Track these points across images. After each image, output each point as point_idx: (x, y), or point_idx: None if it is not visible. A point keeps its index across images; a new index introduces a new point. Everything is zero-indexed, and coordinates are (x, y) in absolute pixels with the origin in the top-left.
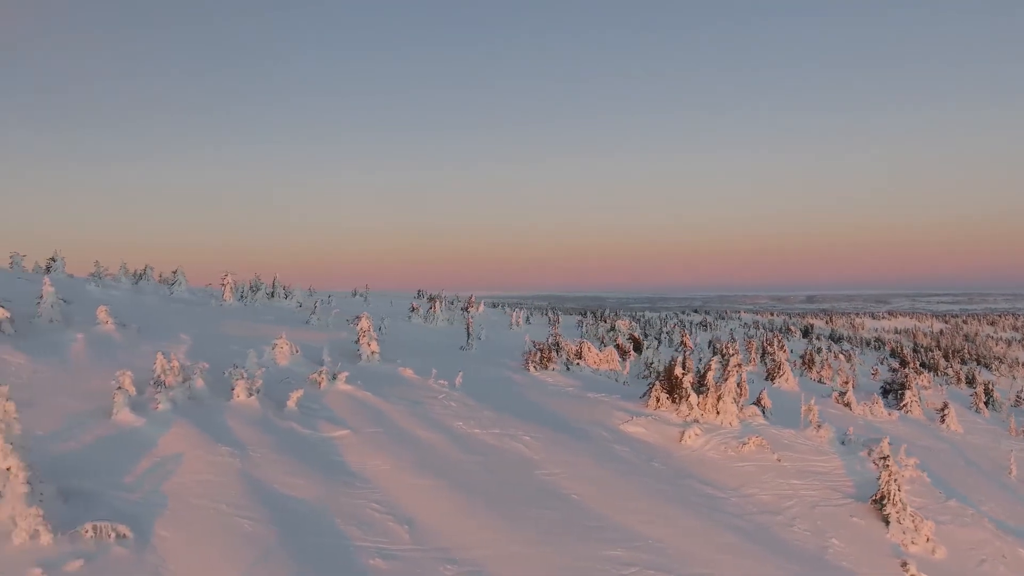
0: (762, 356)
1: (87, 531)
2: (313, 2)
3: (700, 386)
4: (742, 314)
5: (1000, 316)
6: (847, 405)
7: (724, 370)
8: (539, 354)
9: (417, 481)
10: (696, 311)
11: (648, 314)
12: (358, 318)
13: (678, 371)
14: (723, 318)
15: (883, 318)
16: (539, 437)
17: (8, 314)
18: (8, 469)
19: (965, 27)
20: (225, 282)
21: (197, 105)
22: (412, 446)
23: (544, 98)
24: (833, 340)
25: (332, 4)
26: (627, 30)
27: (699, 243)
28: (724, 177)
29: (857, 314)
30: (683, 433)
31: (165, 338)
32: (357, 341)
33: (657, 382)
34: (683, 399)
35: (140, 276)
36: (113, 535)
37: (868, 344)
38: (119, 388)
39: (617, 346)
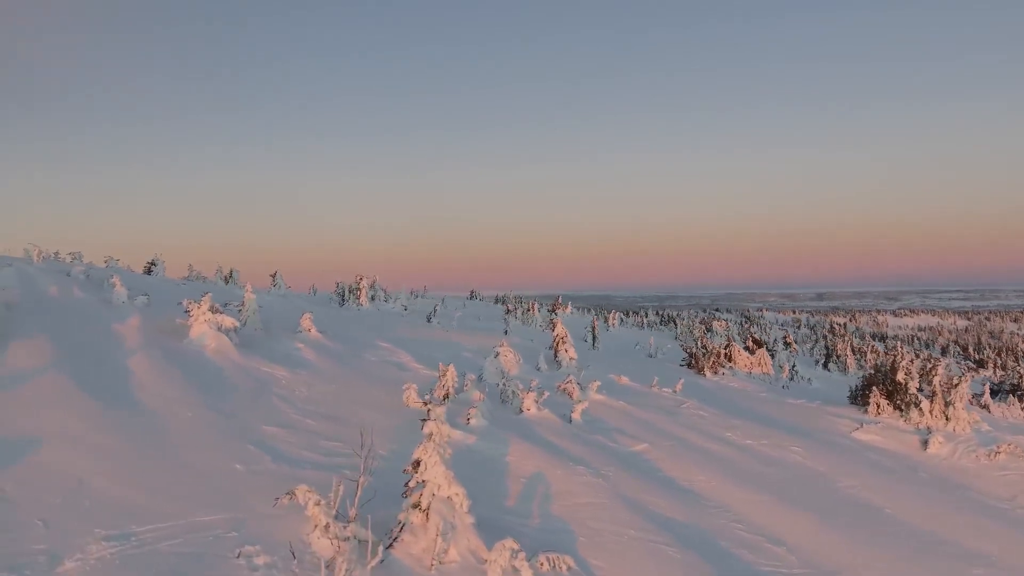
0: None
1: (543, 563)
2: (315, 5)
3: (924, 391)
4: (764, 312)
5: (1023, 312)
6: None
7: (929, 374)
8: (712, 358)
9: (748, 496)
10: (718, 309)
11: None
12: (552, 324)
13: (901, 376)
14: (746, 317)
15: (903, 315)
16: (803, 447)
17: (236, 323)
18: (449, 498)
19: (980, 17)
20: (361, 285)
21: (190, 106)
22: (710, 458)
23: (542, 98)
24: (874, 339)
25: (334, 5)
26: (630, 29)
27: (702, 242)
28: (727, 176)
29: (879, 311)
30: (927, 441)
31: (367, 345)
32: (552, 347)
33: (875, 388)
34: (911, 405)
35: (228, 279)
36: (565, 567)
37: (911, 342)
38: (432, 403)
39: (748, 349)
